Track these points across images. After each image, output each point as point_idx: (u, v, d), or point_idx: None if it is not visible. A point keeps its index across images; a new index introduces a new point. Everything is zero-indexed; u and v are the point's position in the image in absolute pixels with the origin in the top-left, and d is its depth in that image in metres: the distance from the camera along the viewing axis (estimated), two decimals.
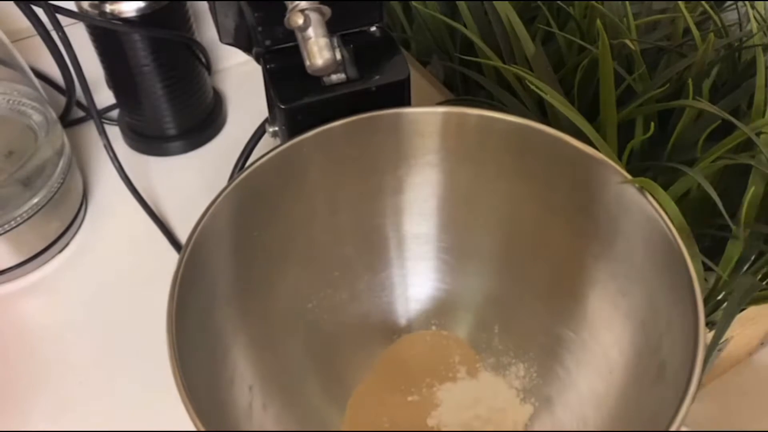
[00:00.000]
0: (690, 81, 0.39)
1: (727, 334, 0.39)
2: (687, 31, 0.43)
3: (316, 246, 0.41)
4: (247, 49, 0.43)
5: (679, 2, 0.43)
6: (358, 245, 0.42)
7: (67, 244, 0.52)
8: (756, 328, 0.42)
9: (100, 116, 0.51)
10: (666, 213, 0.33)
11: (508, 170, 0.40)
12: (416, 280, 0.44)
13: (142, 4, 0.49)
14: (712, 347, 0.35)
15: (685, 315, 0.30)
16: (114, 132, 0.59)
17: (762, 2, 0.44)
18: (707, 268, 0.38)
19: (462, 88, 0.55)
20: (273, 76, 0.40)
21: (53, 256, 0.51)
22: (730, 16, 0.48)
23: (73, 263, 0.51)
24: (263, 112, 0.43)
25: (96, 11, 0.49)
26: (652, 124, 0.39)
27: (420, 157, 0.40)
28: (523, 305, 0.42)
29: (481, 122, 0.38)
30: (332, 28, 0.36)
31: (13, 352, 0.46)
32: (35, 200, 0.47)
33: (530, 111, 0.46)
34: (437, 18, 0.53)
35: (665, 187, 0.35)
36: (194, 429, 0.28)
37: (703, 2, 0.45)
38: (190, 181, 0.56)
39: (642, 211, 0.34)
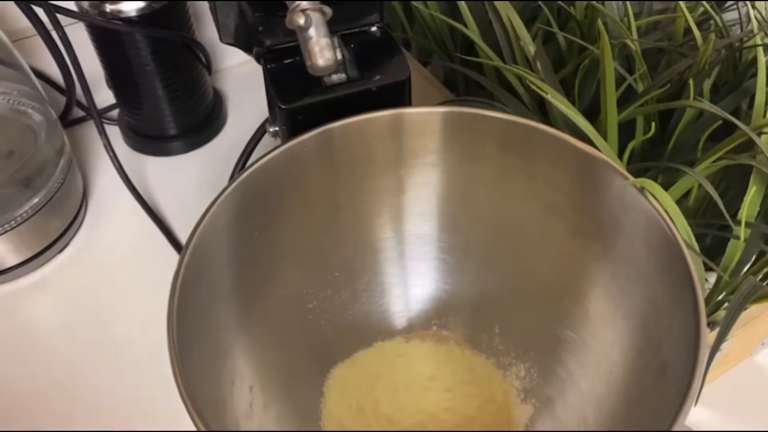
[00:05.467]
0: (691, 81, 0.39)
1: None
2: (688, 31, 0.43)
3: (316, 246, 0.41)
4: (247, 49, 0.42)
5: (680, 2, 0.43)
6: (359, 245, 0.42)
7: (67, 244, 0.51)
8: (756, 328, 0.42)
9: (100, 116, 0.51)
10: (667, 213, 0.33)
11: (509, 170, 0.40)
12: (416, 281, 0.44)
13: (142, 4, 0.49)
14: (715, 350, 0.35)
15: (686, 315, 0.30)
16: (114, 132, 0.59)
17: (763, 2, 0.44)
18: (708, 268, 0.38)
19: (462, 89, 0.55)
20: (273, 76, 0.40)
21: (53, 256, 0.51)
22: (731, 15, 0.47)
23: (73, 263, 0.51)
24: (263, 112, 0.43)
25: (96, 11, 0.49)
26: (653, 124, 0.39)
27: (420, 157, 0.40)
28: (523, 305, 0.42)
29: (482, 122, 0.38)
30: (333, 28, 0.36)
31: (14, 351, 0.46)
32: (35, 200, 0.47)
33: (531, 111, 0.46)
34: (438, 18, 0.53)
35: (666, 188, 0.35)
36: (194, 429, 0.28)
37: (704, 2, 0.45)
38: (190, 181, 0.56)
39: (643, 211, 0.34)
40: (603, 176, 0.36)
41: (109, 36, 0.51)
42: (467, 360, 0.43)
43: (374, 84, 0.40)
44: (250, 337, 0.37)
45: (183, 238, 0.51)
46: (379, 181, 0.41)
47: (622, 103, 0.41)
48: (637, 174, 0.35)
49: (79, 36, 0.50)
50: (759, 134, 0.36)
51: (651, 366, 0.33)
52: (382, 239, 0.43)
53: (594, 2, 0.45)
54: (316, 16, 0.34)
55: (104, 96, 0.56)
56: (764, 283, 0.37)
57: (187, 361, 0.30)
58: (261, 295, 0.39)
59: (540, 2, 0.49)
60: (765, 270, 0.37)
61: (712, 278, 0.38)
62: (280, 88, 0.39)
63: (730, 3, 0.49)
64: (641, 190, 0.34)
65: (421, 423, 0.40)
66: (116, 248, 0.52)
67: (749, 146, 0.37)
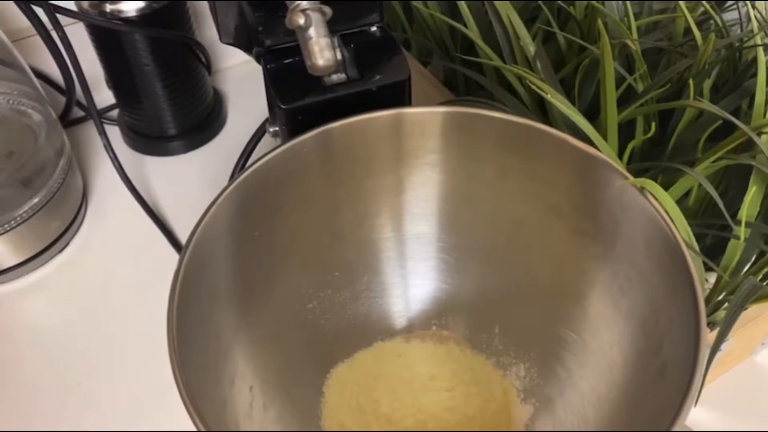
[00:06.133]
0: (691, 81, 0.39)
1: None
2: (688, 30, 0.43)
3: (316, 246, 0.41)
4: (247, 49, 0.42)
5: (680, 2, 0.43)
6: (359, 245, 0.42)
7: (67, 244, 0.51)
8: (756, 328, 0.42)
9: (100, 116, 0.51)
10: (667, 213, 0.33)
11: (509, 170, 0.40)
12: (417, 281, 0.44)
13: (142, 3, 0.49)
14: (715, 349, 0.35)
15: (687, 315, 0.30)
16: (114, 132, 0.59)
17: (763, 2, 0.44)
18: (708, 268, 0.38)
19: (462, 89, 0.55)
20: (273, 76, 0.40)
21: (53, 256, 0.51)
22: (731, 15, 0.47)
23: (73, 263, 0.51)
24: (263, 112, 0.43)
25: (96, 11, 0.49)
26: (653, 124, 0.39)
27: (420, 157, 0.40)
28: (523, 305, 0.42)
29: (482, 122, 0.38)
30: (333, 27, 0.36)
31: (13, 352, 0.46)
32: (35, 200, 0.47)
33: (531, 111, 0.46)
34: (437, 18, 0.53)
35: (666, 187, 0.35)
36: (194, 429, 0.28)
37: (704, 2, 0.45)
38: (190, 181, 0.56)
39: (643, 211, 0.34)
40: (603, 176, 0.36)
41: (109, 36, 0.51)
42: (467, 360, 0.43)
43: (374, 84, 0.40)
44: (250, 337, 0.37)
45: (183, 238, 0.51)
46: (379, 181, 0.41)
47: (622, 103, 0.41)
48: (637, 174, 0.35)
49: (79, 36, 0.50)
50: (759, 134, 0.36)
51: (651, 366, 0.33)
52: (382, 239, 0.43)
53: (594, 2, 0.45)
54: (315, 16, 0.34)
55: (104, 96, 0.56)
56: (764, 283, 0.37)
57: (187, 361, 0.30)
58: (261, 295, 0.39)
59: (540, 2, 0.49)
60: (765, 270, 0.37)
61: (712, 278, 0.38)
62: (280, 88, 0.39)
63: (730, 3, 0.49)
64: (641, 190, 0.34)
65: (421, 423, 0.40)
66: (116, 248, 0.52)
67: (749, 146, 0.37)
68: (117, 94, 0.56)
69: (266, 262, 0.39)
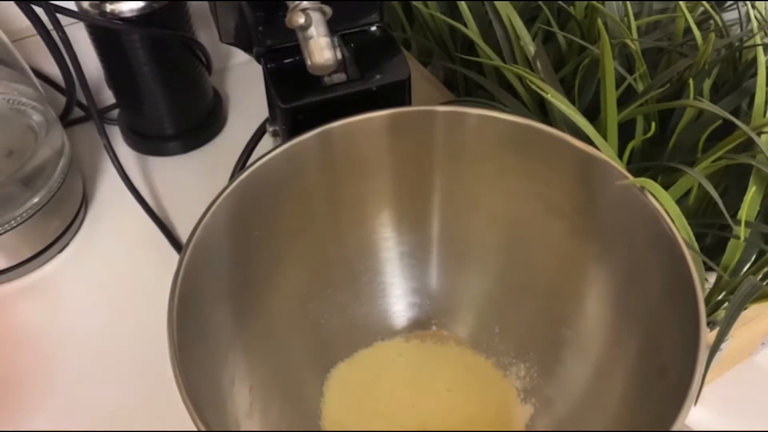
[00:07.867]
0: (691, 81, 0.39)
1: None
2: (687, 30, 0.43)
3: (316, 246, 0.41)
4: (247, 49, 0.43)
5: (680, 2, 0.43)
6: (359, 245, 0.42)
7: (67, 244, 0.51)
8: (757, 328, 0.42)
9: (100, 116, 0.51)
10: (667, 213, 0.33)
11: (509, 170, 0.40)
12: (416, 281, 0.44)
13: (142, 3, 0.49)
14: (715, 349, 0.35)
15: (686, 315, 0.30)
16: (114, 132, 0.58)
17: (763, 2, 0.44)
18: (708, 268, 0.38)
19: (462, 89, 0.55)
20: (273, 76, 0.40)
21: (53, 256, 0.51)
22: (731, 15, 0.47)
23: (73, 263, 0.51)
24: (263, 112, 0.43)
25: (96, 11, 0.49)
26: (653, 123, 0.39)
27: (420, 156, 0.40)
28: (523, 305, 0.42)
29: (482, 122, 0.38)
30: (333, 27, 0.36)
31: (13, 352, 0.46)
32: (35, 200, 0.47)
33: (531, 111, 0.46)
34: (438, 18, 0.53)
35: (666, 187, 0.35)
36: (194, 429, 0.28)
37: (704, 2, 0.45)
38: (190, 181, 0.56)
39: (643, 210, 0.34)
40: (603, 176, 0.36)
41: (109, 36, 0.51)
42: (467, 360, 0.43)
43: (374, 84, 0.40)
44: (250, 336, 0.37)
45: (183, 238, 0.51)
46: (378, 181, 0.41)
47: (622, 102, 0.41)
48: (637, 174, 0.35)
49: (79, 36, 0.50)
50: (759, 134, 0.36)
51: (651, 366, 0.33)
52: (382, 239, 0.43)
53: (594, 2, 0.45)
54: (316, 16, 0.34)
55: (104, 96, 0.56)
56: (764, 283, 0.37)
57: (187, 361, 0.30)
58: (261, 294, 0.39)
59: (540, 2, 0.49)
60: (765, 270, 0.37)
61: (712, 278, 0.38)
62: (280, 88, 0.40)
63: (730, 3, 0.49)
64: (641, 189, 0.34)
65: (421, 423, 0.40)
66: (116, 248, 0.52)
67: (749, 146, 0.37)
68: (117, 94, 0.56)
69: (266, 262, 0.39)
